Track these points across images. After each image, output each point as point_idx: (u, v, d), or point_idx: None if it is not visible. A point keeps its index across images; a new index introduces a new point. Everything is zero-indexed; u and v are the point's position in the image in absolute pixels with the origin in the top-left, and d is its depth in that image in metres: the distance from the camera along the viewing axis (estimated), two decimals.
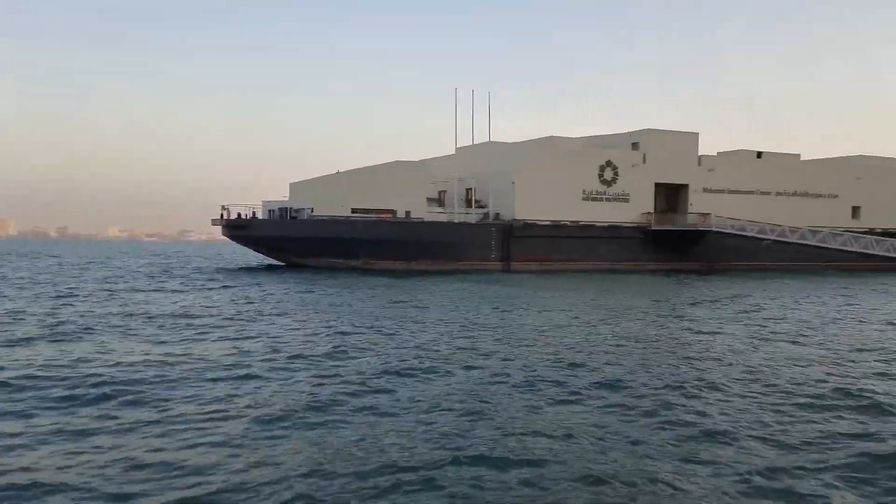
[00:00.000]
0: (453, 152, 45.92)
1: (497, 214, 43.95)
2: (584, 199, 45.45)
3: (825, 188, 53.25)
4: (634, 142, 48.01)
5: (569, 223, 44.69)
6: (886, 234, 51.87)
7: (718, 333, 15.62)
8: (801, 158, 54.66)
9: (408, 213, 41.87)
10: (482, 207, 45.31)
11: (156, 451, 6.90)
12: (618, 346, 13.37)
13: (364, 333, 14.66)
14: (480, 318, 17.55)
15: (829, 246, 46.79)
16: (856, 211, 54.35)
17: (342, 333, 14.54)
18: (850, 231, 49.64)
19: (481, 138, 49.53)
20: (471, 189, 45.92)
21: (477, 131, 57.88)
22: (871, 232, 51.60)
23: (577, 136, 49.08)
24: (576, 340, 13.94)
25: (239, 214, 43.01)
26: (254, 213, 43.38)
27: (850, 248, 46.97)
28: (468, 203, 45.55)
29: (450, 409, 8.49)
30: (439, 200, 46.56)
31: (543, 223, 43.94)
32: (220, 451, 6.93)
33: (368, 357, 11.85)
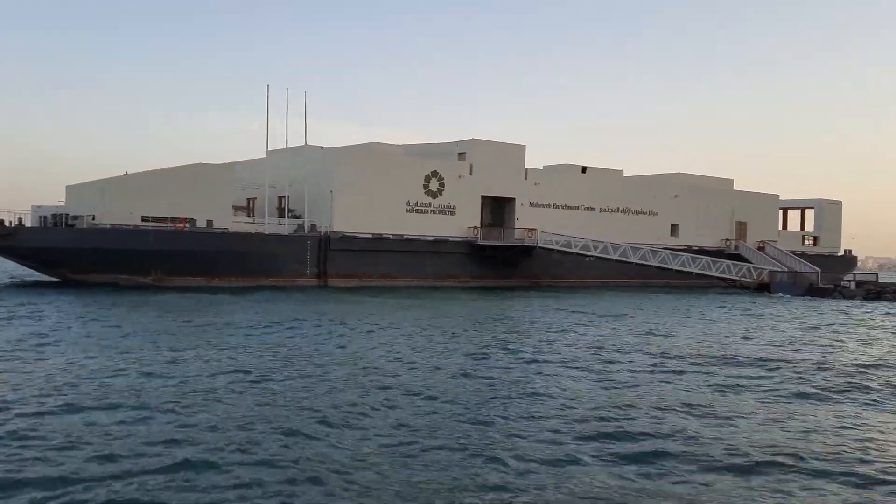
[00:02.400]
0: (264, 156, 44.13)
1: (313, 226, 43.08)
2: (408, 210, 45.60)
3: (646, 205, 56.01)
4: (461, 151, 48.53)
5: (391, 236, 44.61)
6: (702, 251, 55.58)
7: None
8: (625, 174, 57.55)
9: (210, 222, 39.95)
10: (297, 218, 44.17)
11: None
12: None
13: None
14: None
15: (649, 263, 48.96)
16: (674, 228, 57.28)
17: None
18: (669, 248, 52.00)
19: (297, 142, 48.18)
20: (284, 197, 44.47)
21: (292, 134, 56.90)
22: (688, 249, 54.60)
23: (401, 143, 49.52)
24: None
25: (1, 221, 38.57)
26: (20, 219, 39.28)
27: (667, 266, 49.27)
28: (281, 212, 44.10)
29: None
30: (248, 209, 45.61)
31: (364, 236, 43.66)
32: None
33: None
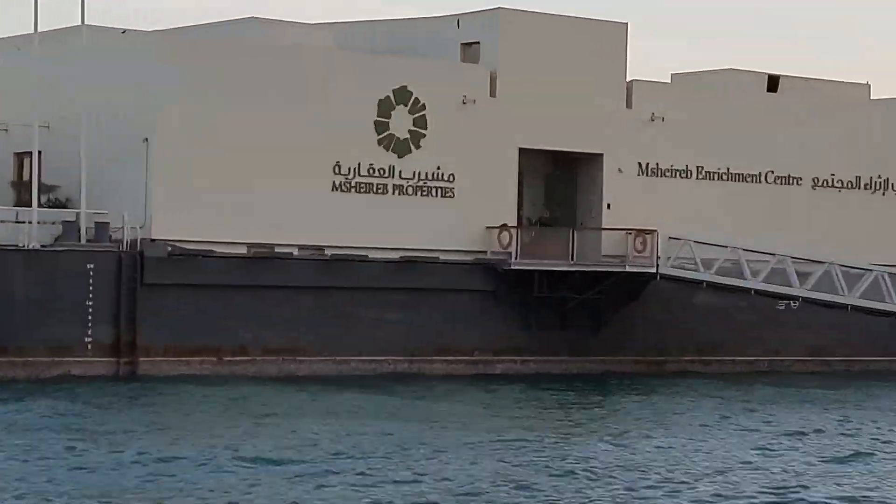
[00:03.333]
0: None
1: (101, 225, 44.41)
2: (337, 187, 47.32)
3: None
4: (469, 41, 50.42)
5: (296, 251, 46.34)
6: None
7: None
8: (873, 95, 60.03)
9: None
10: (57, 206, 45.91)
11: None
12: None
13: None
14: None
15: None
16: None
17: None
18: None
19: (62, 20, 49.00)
20: (29, 156, 45.83)
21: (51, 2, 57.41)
22: None
23: (324, 21, 51.26)
24: None
25: None
26: None
27: None
28: (20, 192, 46.11)
29: None
30: None
31: (228, 252, 45.15)
32: None
33: None
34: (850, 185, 56.35)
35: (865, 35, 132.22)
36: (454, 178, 48.59)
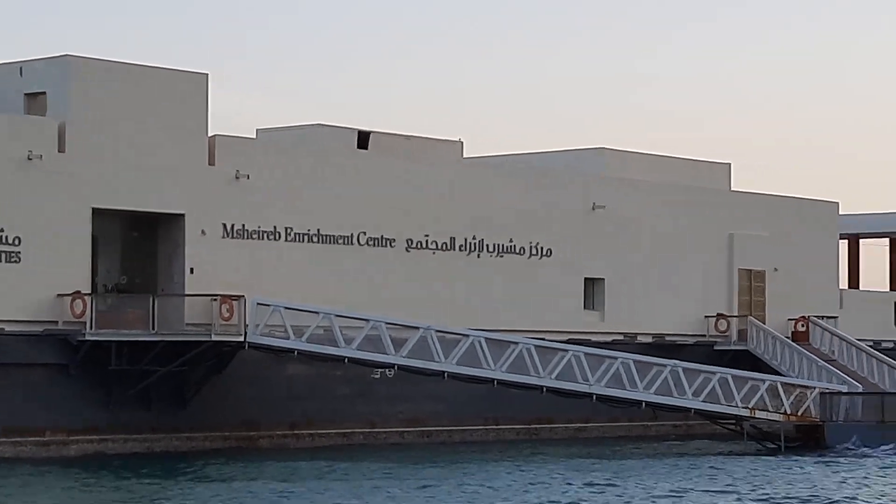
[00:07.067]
0: None
1: None
2: None
3: (522, 229, 62.19)
4: (34, 91, 50.80)
5: None
6: (657, 345, 61.99)
7: None
8: (466, 153, 64.45)
9: None
10: None
11: None
12: None
13: None
14: None
15: (522, 381, 52.81)
16: (593, 290, 64.29)
17: None
18: (579, 339, 57.63)
19: None
20: None
21: None
22: (626, 342, 60.71)
23: None
24: None
25: None
26: None
27: (567, 387, 53.34)
28: None
29: None
30: None
31: None
32: None
33: None
34: (444, 247, 59.66)
35: (460, 91, 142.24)
36: (20, 242, 48.44)
